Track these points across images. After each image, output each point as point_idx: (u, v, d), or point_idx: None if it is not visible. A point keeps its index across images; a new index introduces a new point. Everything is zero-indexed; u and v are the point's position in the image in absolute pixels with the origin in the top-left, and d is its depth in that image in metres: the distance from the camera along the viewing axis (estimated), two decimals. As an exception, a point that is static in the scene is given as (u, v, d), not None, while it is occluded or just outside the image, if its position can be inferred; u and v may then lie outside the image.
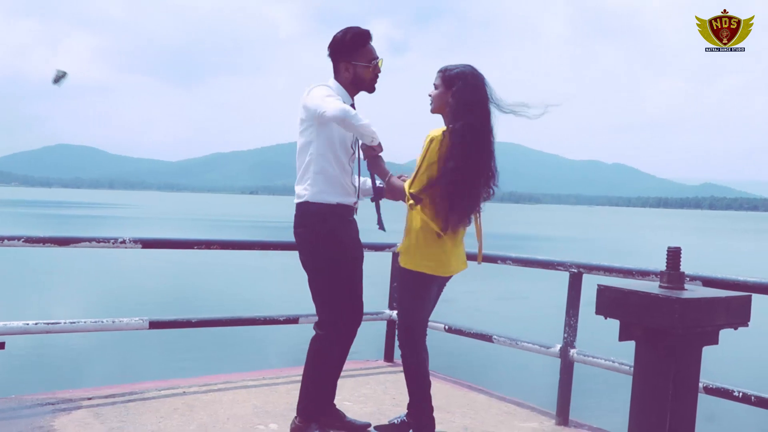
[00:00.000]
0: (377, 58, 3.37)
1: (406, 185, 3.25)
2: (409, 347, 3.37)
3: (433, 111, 3.35)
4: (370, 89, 3.42)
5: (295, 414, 3.39)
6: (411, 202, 3.24)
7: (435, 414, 3.53)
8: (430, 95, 3.34)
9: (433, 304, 3.50)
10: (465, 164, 3.14)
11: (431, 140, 3.17)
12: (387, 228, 3.59)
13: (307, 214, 3.31)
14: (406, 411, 3.54)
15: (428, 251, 3.30)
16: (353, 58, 3.33)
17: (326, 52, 3.40)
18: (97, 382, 4.49)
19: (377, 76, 3.41)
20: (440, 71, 3.29)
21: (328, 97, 3.15)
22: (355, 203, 3.44)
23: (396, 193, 3.35)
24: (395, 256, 5.15)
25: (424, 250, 3.30)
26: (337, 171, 3.31)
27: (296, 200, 3.37)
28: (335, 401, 3.61)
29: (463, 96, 3.18)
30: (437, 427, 3.66)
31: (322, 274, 3.33)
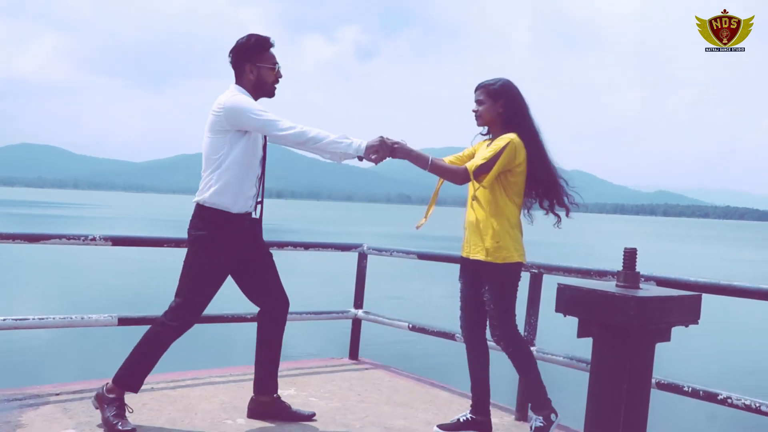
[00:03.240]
0: (278, 63, 3.53)
1: (471, 168, 3.41)
2: (521, 339, 3.57)
3: (481, 124, 3.62)
4: (271, 93, 3.56)
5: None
6: (478, 186, 3.48)
7: (399, 410, 3.61)
8: (475, 111, 3.58)
9: None
10: (546, 167, 3.54)
11: (509, 143, 3.40)
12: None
13: (202, 218, 3.43)
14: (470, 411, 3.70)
15: (518, 240, 3.53)
16: (258, 60, 3.48)
17: (228, 58, 3.51)
18: (65, 378, 4.51)
19: (278, 80, 3.56)
20: (482, 87, 3.56)
21: (266, 112, 3.29)
22: (254, 206, 3.56)
23: (448, 175, 3.47)
24: (361, 256, 5.25)
25: (516, 239, 3.51)
26: (244, 180, 3.44)
27: (196, 199, 3.46)
28: (289, 394, 3.72)
29: (515, 105, 3.52)
30: (402, 422, 3.77)
31: (192, 270, 3.48)
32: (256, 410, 3.73)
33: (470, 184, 3.53)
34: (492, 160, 3.37)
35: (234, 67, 3.50)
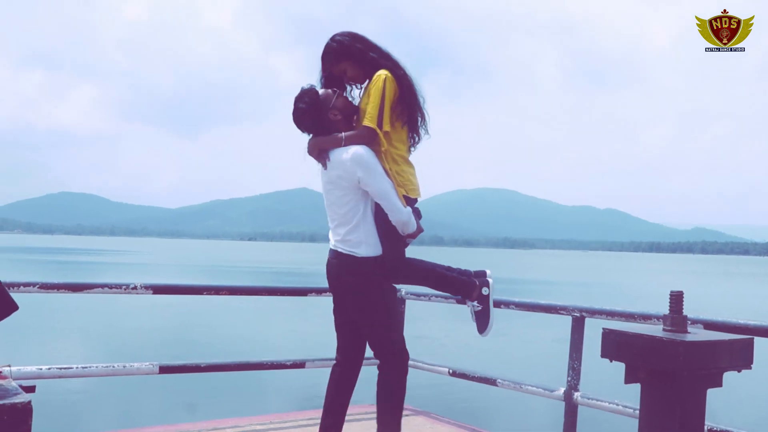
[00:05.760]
0: None
1: (368, 122, 3.30)
2: None
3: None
4: None
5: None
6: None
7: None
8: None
9: None
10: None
11: (386, 77, 3.32)
12: None
13: (355, 265, 3.36)
14: None
15: None
16: None
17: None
18: (108, 426, 4.54)
19: None
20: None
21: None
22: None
23: (360, 140, 3.33)
24: (399, 301, 5.23)
25: None
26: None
27: (346, 251, 3.36)
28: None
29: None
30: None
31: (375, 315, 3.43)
32: None
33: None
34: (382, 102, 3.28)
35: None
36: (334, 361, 3.57)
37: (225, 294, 4.60)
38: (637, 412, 2.62)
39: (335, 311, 3.55)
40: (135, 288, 4.21)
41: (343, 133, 3.31)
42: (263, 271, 52.03)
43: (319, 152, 3.35)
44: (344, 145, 3.30)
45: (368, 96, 3.34)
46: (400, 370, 3.45)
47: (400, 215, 3.30)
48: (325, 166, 3.35)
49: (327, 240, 3.43)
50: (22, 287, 3.89)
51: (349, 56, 3.40)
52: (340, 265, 3.38)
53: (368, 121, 3.28)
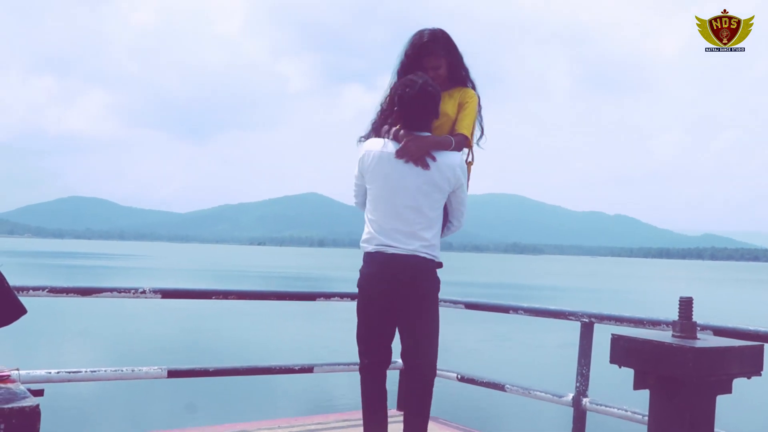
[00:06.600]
0: None
1: (468, 135, 3.41)
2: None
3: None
4: None
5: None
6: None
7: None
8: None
9: None
10: None
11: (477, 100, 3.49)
12: None
13: (433, 270, 3.33)
14: None
15: None
16: None
17: None
18: (116, 429, 4.55)
19: None
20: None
21: None
22: None
23: (460, 146, 3.37)
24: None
25: None
26: None
27: (431, 256, 3.28)
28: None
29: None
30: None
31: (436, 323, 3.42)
32: None
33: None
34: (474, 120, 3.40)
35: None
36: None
37: (233, 298, 4.60)
38: (646, 418, 2.61)
39: (379, 316, 3.33)
40: (144, 292, 4.22)
41: (452, 137, 3.28)
42: (272, 276, 52.19)
43: (427, 152, 3.17)
44: (451, 150, 3.24)
45: (457, 107, 3.38)
46: (432, 378, 3.40)
47: (463, 224, 3.38)
48: (426, 166, 3.17)
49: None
50: (31, 291, 3.90)
51: (451, 56, 3.39)
52: (417, 268, 3.22)
53: (467, 132, 3.33)
